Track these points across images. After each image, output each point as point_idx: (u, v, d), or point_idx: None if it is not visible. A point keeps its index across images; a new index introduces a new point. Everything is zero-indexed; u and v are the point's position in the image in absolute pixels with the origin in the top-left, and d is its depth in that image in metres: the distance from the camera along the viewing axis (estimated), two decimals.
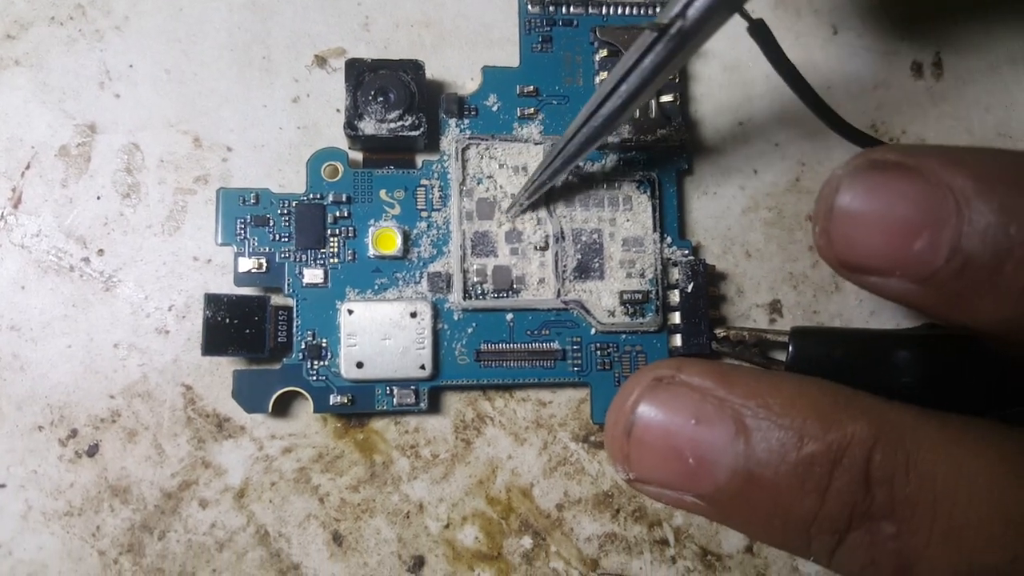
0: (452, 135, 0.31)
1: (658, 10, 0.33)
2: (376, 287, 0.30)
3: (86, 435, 0.30)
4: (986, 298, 0.22)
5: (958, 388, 0.29)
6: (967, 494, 0.23)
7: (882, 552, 0.23)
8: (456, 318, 0.31)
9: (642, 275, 0.31)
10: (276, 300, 0.30)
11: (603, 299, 0.31)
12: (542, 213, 0.31)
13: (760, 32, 0.24)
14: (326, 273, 0.30)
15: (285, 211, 0.30)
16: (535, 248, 0.31)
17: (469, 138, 0.31)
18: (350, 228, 0.30)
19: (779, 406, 0.24)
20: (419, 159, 0.31)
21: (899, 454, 0.23)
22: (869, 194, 0.23)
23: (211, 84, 0.32)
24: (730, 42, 0.33)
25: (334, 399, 0.30)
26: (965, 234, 0.21)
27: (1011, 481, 0.23)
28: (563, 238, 0.31)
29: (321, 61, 0.32)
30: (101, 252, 0.31)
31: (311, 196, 0.30)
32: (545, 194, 0.31)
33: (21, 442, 0.30)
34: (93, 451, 0.30)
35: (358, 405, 0.30)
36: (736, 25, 0.25)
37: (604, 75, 0.32)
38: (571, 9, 0.32)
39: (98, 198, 0.31)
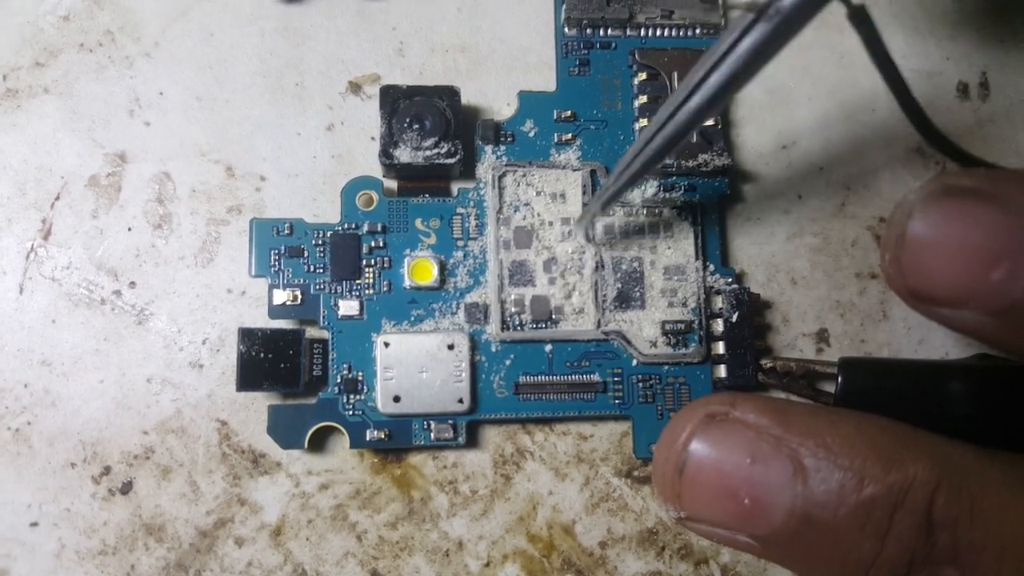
0: (488, 162, 0.31)
1: (698, 31, 0.32)
2: (412, 319, 0.30)
3: (119, 472, 0.29)
4: None
5: (1015, 422, 0.28)
6: None
7: None
8: (494, 350, 0.30)
9: (684, 304, 0.30)
10: (311, 333, 0.29)
11: (644, 329, 0.30)
12: (581, 239, 0.30)
13: (861, 19, 0.23)
14: (361, 305, 0.30)
15: (319, 241, 0.30)
16: (575, 271, 0.30)
17: (506, 165, 0.31)
18: (385, 258, 0.30)
19: (838, 446, 0.23)
20: (455, 187, 0.31)
21: (963, 498, 0.22)
22: (944, 221, 0.22)
23: (243, 112, 0.31)
24: (772, 64, 0.32)
25: (371, 434, 0.29)
26: None
27: None
28: (602, 266, 0.30)
29: (355, 88, 0.32)
30: (133, 284, 0.30)
31: (346, 226, 0.30)
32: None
33: (53, 480, 0.29)
34: (127, 488, 0.29)
35: (395, 440, 0.29)
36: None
37: (643, 99, 0.31)
38: (609, 32, 0.32)
39: (129, 229, 0.31)
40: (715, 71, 0.23)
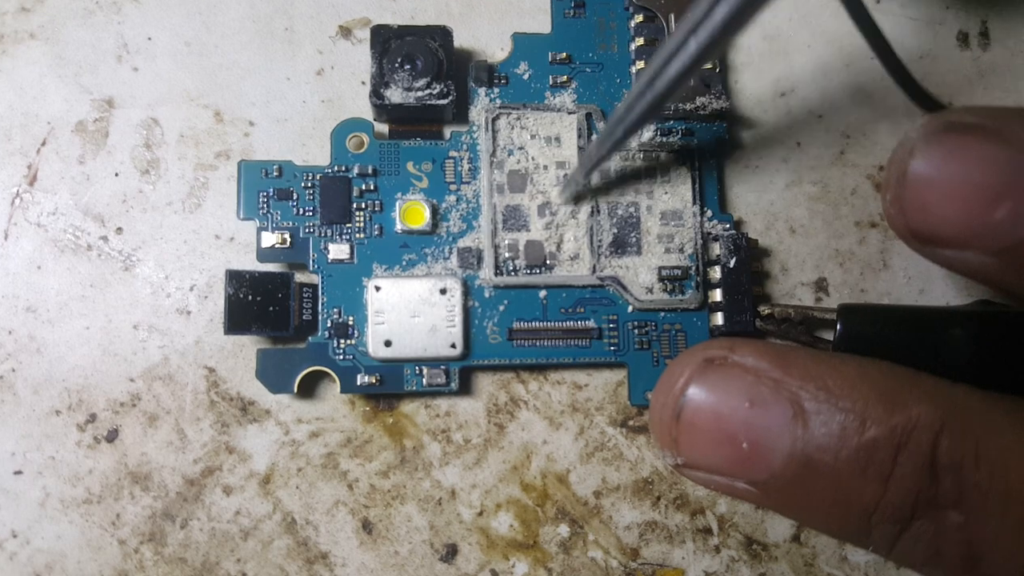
0: (482, 105, 0.30)
1: None
2: (404, 263, 0.29)
3: (105, 420, 0.29)
4: None
5: (1016, 369, 0.27)
6: None
7: (948, 542, 0.22)
8: (487, 295, 0.29)
9: (681, 250, 0.30)
10: (300, 277, 0.29)
11: (640, 275, 0.30)
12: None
13: None
14: (352, 248, 0.29)
15: (309, 184, 0.29)
16: (571, 215, 0.29)
17: (499, 107, 0.30)
18: (376, 202, 0.29)
19: (839, 388, 0.22)
20: (447, 130, 0.30)
21: (967, 440, 0.22)
22: (946, 159, 0.21)
23: (232, 56, 0.31)
24: (771, 11, 0.32)
25: (362, 379, 0.28)
26: None
27: None
28: (598, 211, 0.30)
29: (346, 32, 0.31)
30: (120, 230, 0.30)
31: (336, 168, 0.29)
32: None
33: (38, 427, 0.29)
34: (112, 436, 0.29)
35: (386, 385, 0.29)
36: None
37: (640, 41, 0.30)
38: None
39: (116, 175, 0.30)
40: (691, 38, 0.22)
